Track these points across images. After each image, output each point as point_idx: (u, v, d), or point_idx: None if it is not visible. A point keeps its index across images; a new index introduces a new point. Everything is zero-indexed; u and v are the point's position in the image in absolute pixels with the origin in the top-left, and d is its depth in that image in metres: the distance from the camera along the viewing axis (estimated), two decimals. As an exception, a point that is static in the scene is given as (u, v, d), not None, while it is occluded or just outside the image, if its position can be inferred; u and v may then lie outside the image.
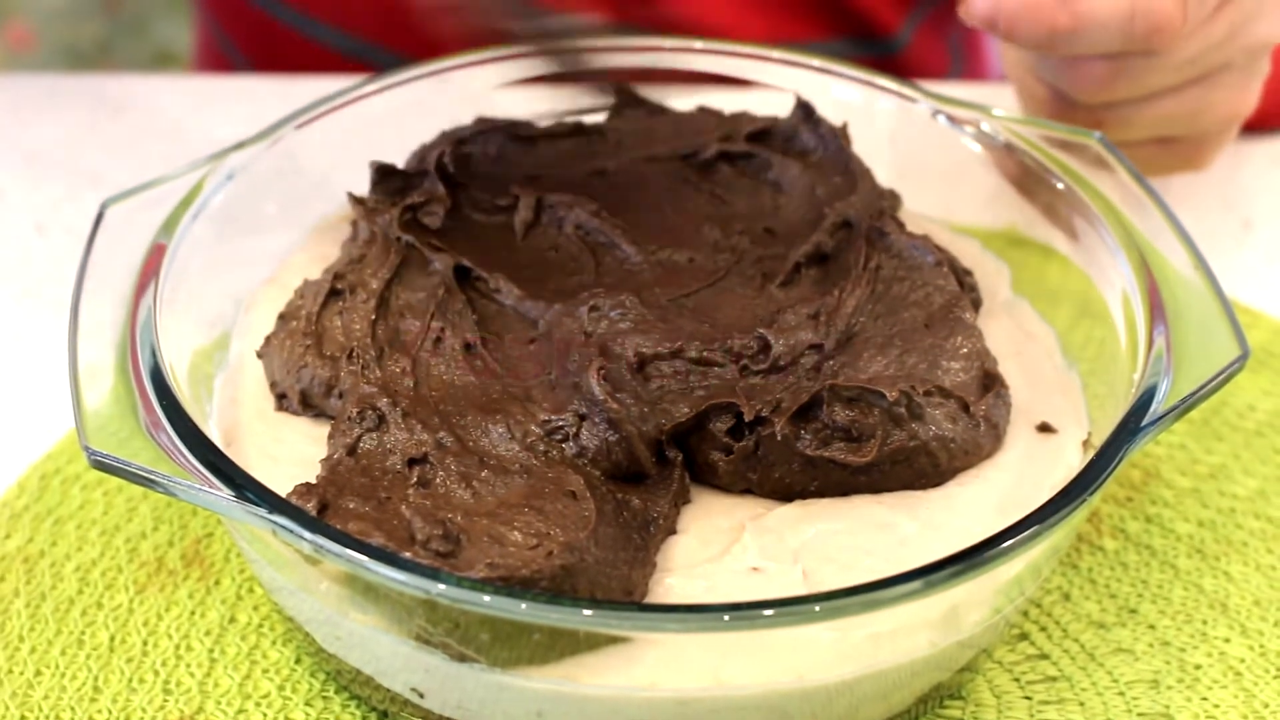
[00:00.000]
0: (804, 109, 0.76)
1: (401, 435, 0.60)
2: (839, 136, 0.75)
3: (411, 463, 0.59)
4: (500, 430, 0.61)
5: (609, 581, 0.56)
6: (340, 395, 0.63)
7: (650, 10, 1.03)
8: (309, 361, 0.64)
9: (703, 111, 0.79)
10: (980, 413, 0.62)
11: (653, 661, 0.54)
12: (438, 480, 0.59)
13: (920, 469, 0.61)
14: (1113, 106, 0.78)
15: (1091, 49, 0.74)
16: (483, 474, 0.59)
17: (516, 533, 0.56)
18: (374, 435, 0.61)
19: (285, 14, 1.09)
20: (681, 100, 0.79)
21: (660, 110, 0.79)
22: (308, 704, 0.62)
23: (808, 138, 0.76)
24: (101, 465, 0.56)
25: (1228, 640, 0.65)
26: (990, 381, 0.64)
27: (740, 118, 0.78)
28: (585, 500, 0.58)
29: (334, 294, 0.66)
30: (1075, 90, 0.78)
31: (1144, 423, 0.57)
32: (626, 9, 1.02)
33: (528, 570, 0.55)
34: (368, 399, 0.61)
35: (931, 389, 0.61)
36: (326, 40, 1.08)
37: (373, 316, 0.65)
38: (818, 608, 0.52)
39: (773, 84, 0.79)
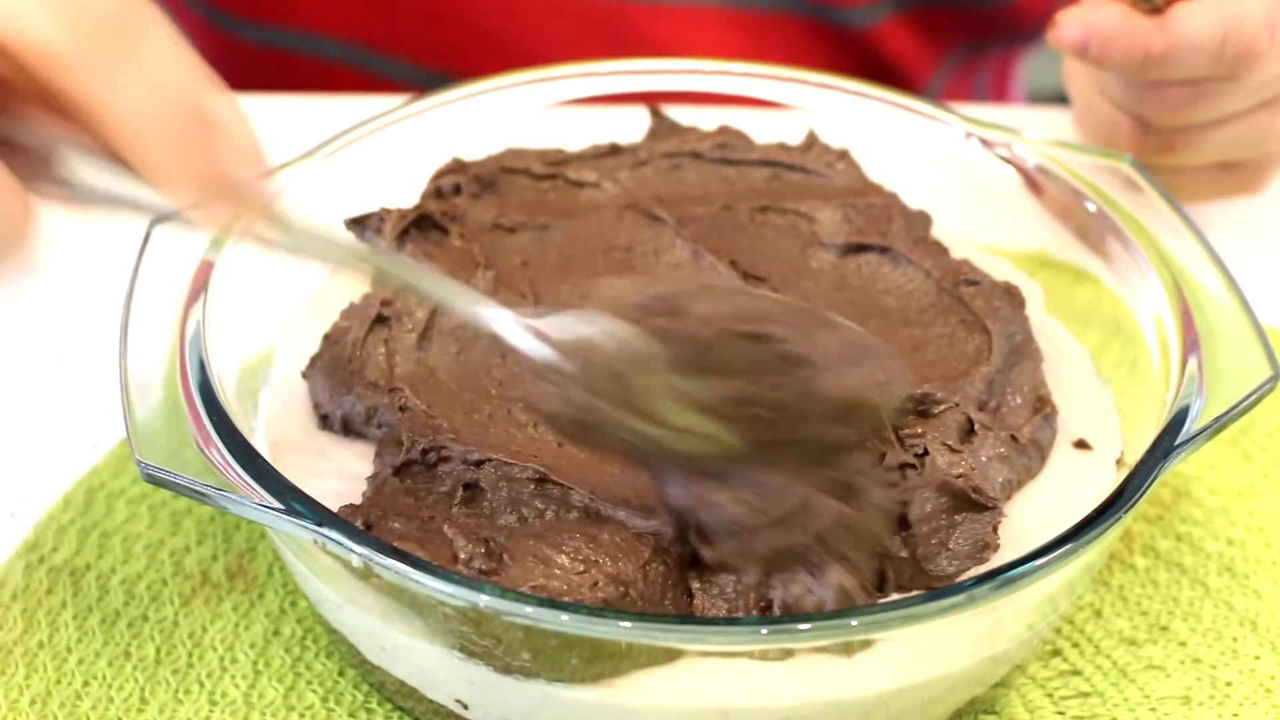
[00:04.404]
0: (809, 137, 0.78)
1: (447, 458, 0.61)
2: (849, 161, 0.76)
3: (456, 485, 0.60)
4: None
5: None
6: (380, 425, 0.64)
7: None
8: (352, 388, 0.65)
9: (732, 136, 0.79)
10: (1026, 437, 0.63)
11: (695, 673, 0.55)
12: (484, 503, 0.59)
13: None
14: (1185, 130, 0.79)
15: (1181, 73, 0.75)
16: (535, 502, 0.59)
17: (564, 556, 0.57)
18: (420, 457, 0.61)
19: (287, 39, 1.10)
20: (710, 118, 0.81)
21: (692, 132, 0.80)
22: (351, 715, 0.63)
23: (817, 165, 0.77)
24: (153, 479, 0.57)
25: (1258, 657, 0.66)
26: (1040, 405, 0.65)
27: (773, 148, 0.79)
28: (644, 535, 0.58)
29: (380, 320, 0.67)
30: (1153, 113, 0.79)
31: (1178, 441, 0.58)
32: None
33: (570, 597, 0.55)
34: (414, 421, 0.62)
35: (996, 437, 0.62)
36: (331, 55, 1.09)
37: (419, 345, 0.66)
38: (855, 622, 0.53)
39: (805, 107, 0.80)
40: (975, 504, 0.60)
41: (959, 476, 0.59)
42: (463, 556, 0.57)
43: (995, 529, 0.60)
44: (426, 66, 1.07)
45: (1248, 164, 0.83)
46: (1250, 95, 0.78)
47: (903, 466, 0.60)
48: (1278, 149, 0.83)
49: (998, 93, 1.23)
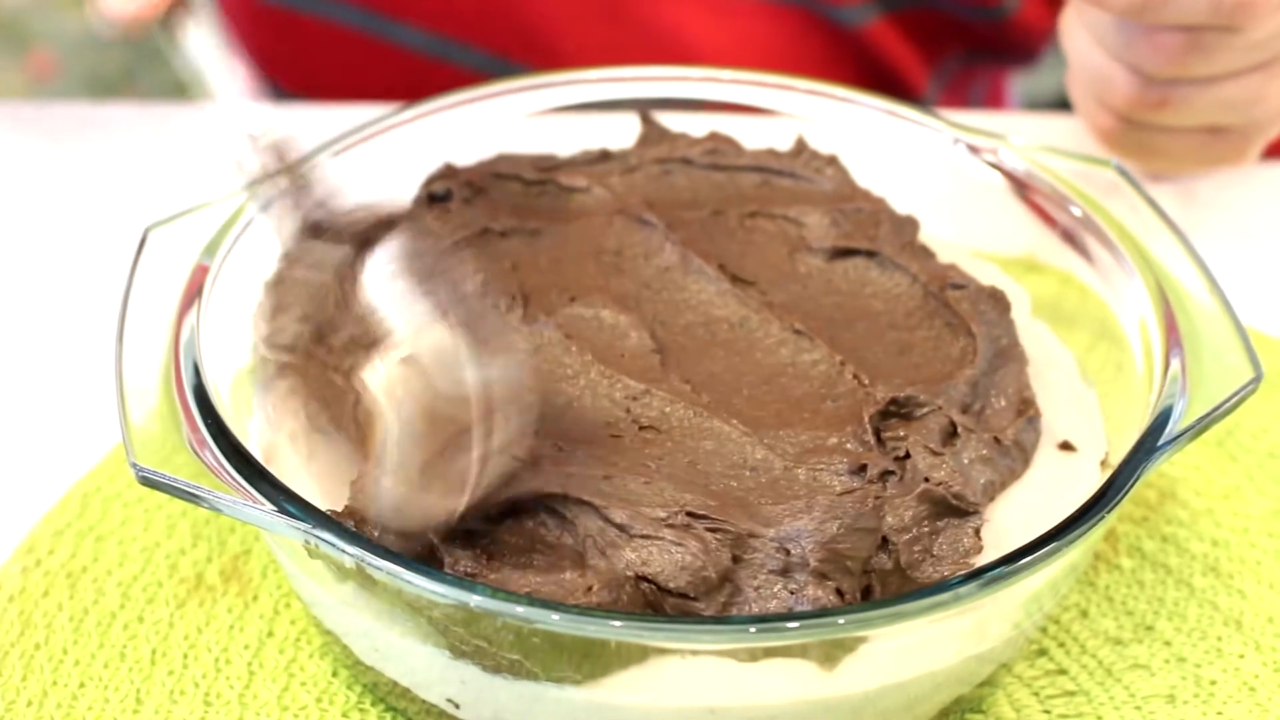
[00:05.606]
0: (798, 142, 0.78)
1: None
2: (837, 167, 0.77)
3: None
4: None
5: None
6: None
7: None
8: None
9: (722, 142, 0.80)
10: (1009, 439, 0.63)
11: (683, 671, 0.55)
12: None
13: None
14: (1178, 85, 0.81)
15: (1178, 18, 0.76)
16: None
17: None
18: None
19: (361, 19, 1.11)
20: (699, 124, 0.81)
21: (683, 138, 0.80)
22: (344, 716, 0.64)
23: (806, 170, 0.77)
24: (148, 482, 0.58)
25: (1242, 656, 0.66)
26: (1024, 407, 0.65)
27: (763, 154, 0.79)
28: None
29: None
30: (1148, 62, 0.80)
31: (1160, 442, 0.59)
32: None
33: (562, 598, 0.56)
34: None
35: (978, 439, 0.63)
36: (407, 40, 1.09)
37: None
38: (842, 620, 0.54)
39: (794, 113, 0.81)
40: (956, 509, 0.60)
41: (939, 484, 0.60)
42: (448, 560, 0.57)
43: (977, 532, 0.60)
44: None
45: (1236, 130, 0.84)
46: (1245, 54, 0.79)
47: (884, 474, 0.61)
48: (1267, 117, 0.84)
49: (993, 101, 1.24)
